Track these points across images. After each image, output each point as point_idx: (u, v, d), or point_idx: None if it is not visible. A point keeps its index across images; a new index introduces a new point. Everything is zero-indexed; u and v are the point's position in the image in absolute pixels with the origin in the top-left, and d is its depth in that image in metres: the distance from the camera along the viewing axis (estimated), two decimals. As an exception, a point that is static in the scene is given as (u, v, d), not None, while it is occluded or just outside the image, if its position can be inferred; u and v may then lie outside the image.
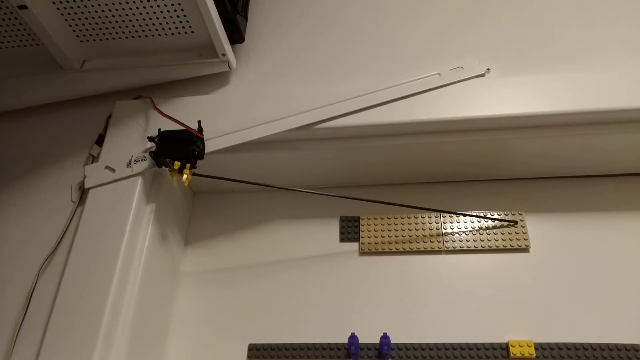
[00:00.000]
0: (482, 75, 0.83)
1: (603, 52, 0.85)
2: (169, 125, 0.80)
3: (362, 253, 0.91)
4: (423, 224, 0.92)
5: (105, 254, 0.73)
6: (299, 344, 0.83)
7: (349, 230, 0.94)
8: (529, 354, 0.76)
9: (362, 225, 0.93)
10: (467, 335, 0.81)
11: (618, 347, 0.76)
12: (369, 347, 0.82)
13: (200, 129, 0.80)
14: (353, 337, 0.81)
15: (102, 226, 0.76)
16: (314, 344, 0.83)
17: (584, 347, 0.77)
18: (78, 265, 0.73)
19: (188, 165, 0.77)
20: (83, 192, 0.81)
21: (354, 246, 0.92)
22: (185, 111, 0.84)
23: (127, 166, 0.80)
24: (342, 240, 0.93)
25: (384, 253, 0.90)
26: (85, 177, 0.81)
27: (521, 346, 0.77)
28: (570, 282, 0.83)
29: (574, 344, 0.77)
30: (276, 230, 0.95)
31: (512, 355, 0.77)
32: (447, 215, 0.92)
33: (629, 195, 0.90)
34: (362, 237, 0.92)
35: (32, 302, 0.72)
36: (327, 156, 0.88)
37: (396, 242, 0.91)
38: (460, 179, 0.96)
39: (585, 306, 0.81)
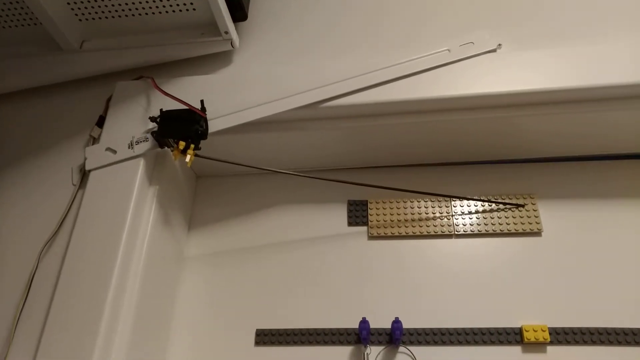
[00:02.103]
0: (494, 50, 0.81)
1: (619, 25, 0.82)
2: (171, 106, 0.78)
3: (371, 237, 0.89)
4: (433, 207, 0.90)
5: (108, 236, 0.71)
6: (308, 329, 0.82)
7: (357, 215, 0.91)
8: (544, 338, 0.75)
9: (371, 209, 0.91)
10: (479, 320, 0.79)
11: (634, 332, 0.75)
12: (379, 332, 0.80)
13: (203, 109, 0.78)
14: (364, 322, 0.78)
15: (103, 209, 0.74)
16: (323, 329, 0.81)
17: (598, 331, 0.76)
18: (80, 248, 0.71)
19: (192, 145, 0.75)
20: (84, 175, 0.79)
21: (362, 230, 0.90)
22: (188, 91, 0.82)
23: (129, 147, 0.78)
24: (350, 224, 0.91)
25: (393, 237, 0.88)
26: (85, 159, 0.79)
27: (535, 331, 0.76)
28: (583, 266, 0.82)
29: (588, 329, 0.76)
30: (282, 214, 0.93)
31: (526, 340, 0.75)
32: (456, 199, 0.89)
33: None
34: (371, 221, 0.90)
35: (33, 286, 0.70)
36: (333, 136, 0.86)
37: (405, 226, 0.88)
38: (473, 159, 0.93)
39: (598, 290, 0.79)
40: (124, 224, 0.72)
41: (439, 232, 0.87)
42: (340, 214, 0.92)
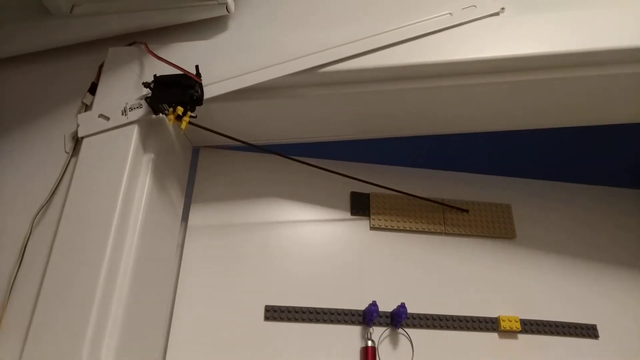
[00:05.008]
0: (496, 14, 0.79)
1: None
2: (165, 72, 0.75)
3: (373, 228, 0.95)
4: (427, 207, 0.98)
5: (102, 203, 0.70)
6: (315, 308, 0.86)
7: (360, 206, 0.97)
8: (516, 328, 0.88)
9: (372, 202, 0.97)
10: (465, 309, 0.89)
11: (580, 326, 0.91)
12: (379, 314, 0.86)
13: (198, 74, 0.76)
14: (374, 305, 0.84)
15: (97, 176, 0.72)
16: (329, 309, 0.86)
17: (562, 325, 0.91)
18: (74, 214, 0.70)
19: (189, 113, 0.73)
20: (77, 142, 0.77)
21: (364, 220, 0.96)
22: (182, 57, 0.79)
23: (122, 114, 0.76)
24: (353, 214, 0.96)
25: (392, 230, 0.95)
26: (78, 125, 0.77)
27: (510, 321, 0.89)
28: (550, 268, 0.96)
29: (550, 321, 0.90)
30: (287, 193, 0.96)
31: (501, 328, 0.88)
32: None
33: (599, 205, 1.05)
34: (373, 213, 0.96)
35: (27, 252, 0.69)
36: (331, 104, 0.84)
37: (403, 221, 0.96)
38: (472, 130, 0.93)
39: (562, 289, 0.94)
40: (118, 191, 0.71)
41: (432, 230, 0.96)
42: (344, 202, 0.98)
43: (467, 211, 0.98)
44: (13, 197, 0.75)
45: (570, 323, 0.90)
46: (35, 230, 0.71)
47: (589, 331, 0.91)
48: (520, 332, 0.89)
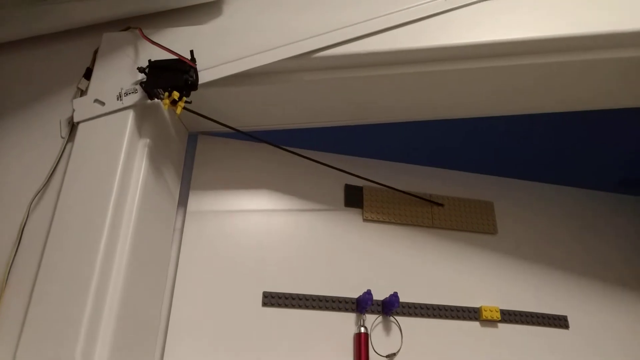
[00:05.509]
0: (491, -2, 0.79)
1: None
2: (160, 57, 0.76)
3: (366, 220, 0.99)
4: (416, 200, 1.02)
5: (99, 187, 0.70)
6: (311, 295, 0.89)
7: (353, 199, 1.00)
8: (496, 317, 0.95)
9: (365, 195, 1.01)
10: (450, 299, 0.96)
11: (553, 317, 0.99)
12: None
13: (193, 59, 0.76)
14: (369, 293, 0.88)
15: (93, 160, 0.73)
16: (324, 297, 0.89)
17: (536, 315, 0.99)
18: (71, 198, 0.70)
19: (184, 98, 0.73)
20: (72, 127, 0.77)
21: (358, 211, 1.00)
22: (177, 42, 0.79)
23: (118, 99, 0.76)
24: (346, 204, 1.00)
25: (384, 222, 1.00)
26: (74, 111, 0.77)
27: (491, 311, 0.95)
28: (528, 262, 1.04)
29: (525, 312, 0.98)
30: (283, 182, 0.98)
31: (483, 317, 0.95)
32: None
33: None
34: (365, 206, 0.99)
35: (24, 237, 0.69)
36: (325, 90, 0.85)
37: (394, 214, 1.00)
38: (468, 115, 0.93)
39: (538, 282, 1.02)
40: (114, 175, 0.71)
41: (420, 223, 1.01)
42: (338, 193, 1.01)
43: (442, 205, 1.03)
44: (9, 183, 0.75)
45: (545, 314, 0.98)
46: (32, 215, 0.72)
47: (560, 322, 0.99)
48: (500, 321, 0.95)
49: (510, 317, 0.96)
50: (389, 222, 1.00)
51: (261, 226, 0.93)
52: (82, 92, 0.80)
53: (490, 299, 0.97)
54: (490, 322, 0.96)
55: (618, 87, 0.85)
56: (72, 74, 0.82)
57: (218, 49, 0.79)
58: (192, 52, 0.76)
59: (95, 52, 0.83)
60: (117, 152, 0.73)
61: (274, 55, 0.77)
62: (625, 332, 1.02)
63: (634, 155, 1.42)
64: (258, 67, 0.77)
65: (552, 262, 1.05)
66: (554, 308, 1.00)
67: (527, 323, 0.97)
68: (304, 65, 0.79)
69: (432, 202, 1.03)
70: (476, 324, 0.95)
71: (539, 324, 0.97)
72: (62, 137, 0.77)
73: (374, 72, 0.79)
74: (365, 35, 0.77)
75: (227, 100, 0.86)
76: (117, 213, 0.70)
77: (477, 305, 0.96)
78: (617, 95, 0.88)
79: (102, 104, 0.76)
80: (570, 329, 0.99)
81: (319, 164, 0.93)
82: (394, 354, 0.88)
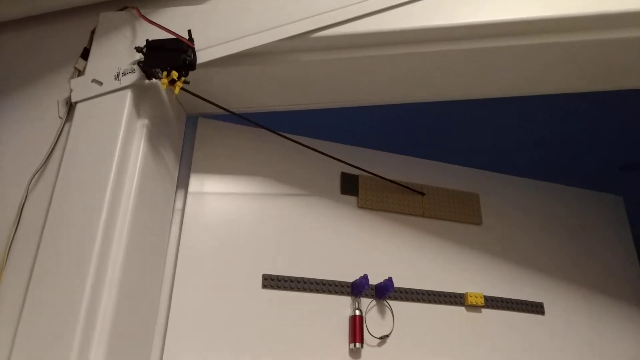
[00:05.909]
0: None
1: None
2: (157, 36, 0.75)
3: (361, 207, 1.01)
4: (408, 190, 1.06)
5: (97, 166, 0.71)
6: (308, 278, 0.91)
7: (349, 186, 1.02)
8: (480, 303, 0.99)
9: (361, 183, 1.03)
10: (437, 285, 0.99)
11: (531, 304, 1.05)
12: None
13: (191, 39, 0.76)
14: (365, 278, 0.90)
15: (92, 140, 0.73)
16: (321, 280, 0.92)
17: (512, 301, 1.04)
18: (69, 178, 0.70)
19: (182, 78, 0.73)
20: (70, 107, 0.77)
21: (353, 199, 1.02)
22: (174, 22, 0.79)
23: (115, 79, 0.76)
24: (342, 192, 1.02)
25: (378, 210, 1.02)
26: (71, 91, 0.77)
27: (475, 297, 1.00)
28: (511, 251, 1.09)
29: (507, 298, 1.03)
30: (281, 168, 0.99)
31: (468, 302, 0.99)
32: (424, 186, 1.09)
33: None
34: (361, 194, 1.02)
35: (24, 216, 0.69)
36: (324, 70, 0.85)
37: (387, 202, 1.03)
38: (462, 96, 0.93)
39: (520, 271, 1.08)
40: (113, 155, 0.71)
41: (412, 212, 1.05)
42: (334, 180, 1.02)
43: (423, 194, 1.07)
44: (8, 163, 0.75)
45: (523, 300, 1.04)
46: (31, 194, 0.72)
47: (537, 308, 1.05)
48: (484, 306, 1.00)
49: (493, 302, 1.01)
50: (382, 210, 1.02)
51: (260, 210, 0.94)
52: (80, 72, 0.79)
53: (475, 286, 1.01)
54: (475, 308, 1.00)
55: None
56: (69, 54, 0.82)
57: (216, 29, 0.78)
58: (189, 31, 0.76)
59: (93, 32, 0.82)
60: (115, 132, 0.73)
61: (271, 35, 0.77)
62: (596, 318, 1.09)
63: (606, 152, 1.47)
64: (255, 47, 0.77)
65: (531, 253, 1.11)
66: (532, 295, 1.06)
67: (508, 309, 1.02)
68: (301, 45, 0.79)
69: (414, 190, 1.06)
70: (462, 308, 0.99)
71: (518, 309, 1.03)
72: (60, 117, 0.77)
73: (371, 52, 0.79)
74: (363, 16, 0.77)
75: (224, 82, 0.86)
76: (115, 192, 0.71)
77: (462, 292, 1.00)
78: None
79: (100, 84, 0.76)
80: (545, 314, 1.05)
81: (317, 153, 0.94)
82: (387, 336, 0.91)
